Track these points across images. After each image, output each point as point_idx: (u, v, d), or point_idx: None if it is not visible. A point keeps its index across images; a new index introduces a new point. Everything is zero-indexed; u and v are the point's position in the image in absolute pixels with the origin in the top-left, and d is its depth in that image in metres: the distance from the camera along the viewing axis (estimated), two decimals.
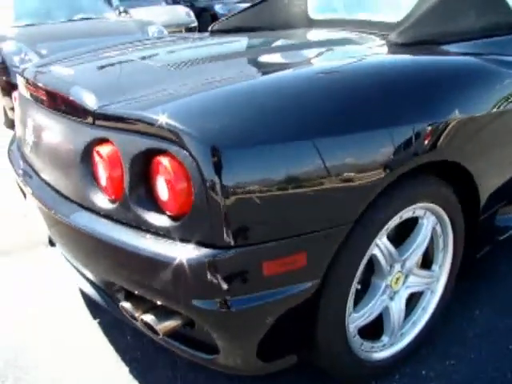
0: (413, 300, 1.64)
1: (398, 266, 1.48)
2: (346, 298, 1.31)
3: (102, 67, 1.71)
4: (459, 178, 1.51)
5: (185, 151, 1.08)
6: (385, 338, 1.54)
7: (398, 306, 1.53)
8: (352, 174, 1.17)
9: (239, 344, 1.21)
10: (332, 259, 1.22)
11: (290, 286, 1.18)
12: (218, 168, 1.06)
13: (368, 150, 1.19)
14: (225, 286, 1.12)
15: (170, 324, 1.25)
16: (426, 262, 1.63)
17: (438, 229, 1.56)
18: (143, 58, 1.81)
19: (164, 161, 1.12)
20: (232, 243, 1.10)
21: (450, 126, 1.36)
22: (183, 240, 1.13)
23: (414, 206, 1.41)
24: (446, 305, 1.71)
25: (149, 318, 1.25)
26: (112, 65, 1.75)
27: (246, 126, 1.12)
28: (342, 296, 1.30)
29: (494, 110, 1.51)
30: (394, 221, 1.37)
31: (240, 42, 2.07)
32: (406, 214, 1.41)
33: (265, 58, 1.66)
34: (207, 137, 1.08)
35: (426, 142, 1.30)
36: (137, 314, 1.28)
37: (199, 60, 1.67)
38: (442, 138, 1.34)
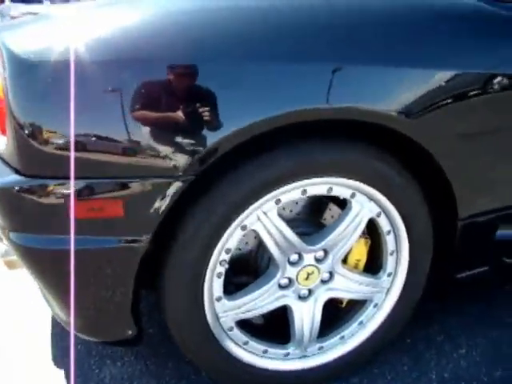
0: (352, 310, 1.29)
1: (309, 258, 1.16)
2: (200, 275, 1.07)
3: None
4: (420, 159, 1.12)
5: (2, 67, 0.99)
6: (290, 347, 1.23)
7: (310, 310, 1.20)
8: (180, 115, 0.93)
9: (53, 292, 1.07)
10: (168, 219, 1.00)
11: (101, 238, 0.99)
12: (24, 87, 0.94)
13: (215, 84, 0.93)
14: (26, 221, 1.00)
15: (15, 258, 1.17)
16: (375, 265, 1.26)
17: (384, 223, 1.18)
18: None
19: None
20: (36, 173, 0.97)
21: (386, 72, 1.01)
22: (7, 165, 1.05)
23: (322, 180, 1.08)
24: (401, 326, 1.30)
25: (2, 247, 1.20)
26: None
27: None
28: (190, 271, 1.06)
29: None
30: (290, 194, 1.07)
31: None
32: (314, 188, 1.09)
33: None
34: (20, 50, 0.96)
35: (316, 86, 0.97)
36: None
37: None
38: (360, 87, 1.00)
